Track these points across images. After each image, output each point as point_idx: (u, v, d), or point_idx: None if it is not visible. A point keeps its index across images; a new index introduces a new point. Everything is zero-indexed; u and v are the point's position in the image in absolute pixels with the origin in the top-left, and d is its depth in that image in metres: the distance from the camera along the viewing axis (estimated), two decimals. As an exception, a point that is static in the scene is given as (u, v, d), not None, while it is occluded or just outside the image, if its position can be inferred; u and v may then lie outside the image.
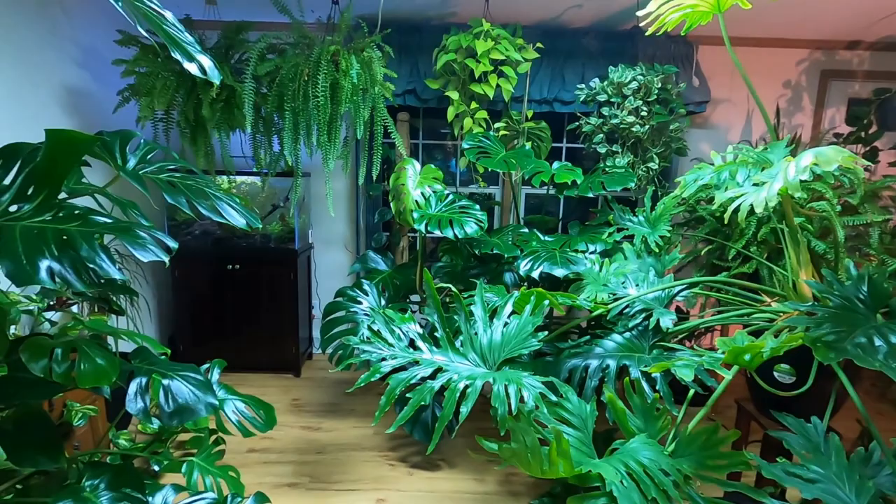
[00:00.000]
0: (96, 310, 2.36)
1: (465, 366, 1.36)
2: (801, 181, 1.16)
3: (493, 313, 1.54)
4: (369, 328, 1.43)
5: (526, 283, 2.40)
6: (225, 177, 3.07)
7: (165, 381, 1.21)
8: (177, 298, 3.31)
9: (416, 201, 2.43)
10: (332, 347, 2.33)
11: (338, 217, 3.66)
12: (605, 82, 2.68)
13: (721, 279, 1.95)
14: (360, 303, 2.35)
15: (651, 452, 1.30)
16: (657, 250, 2.18)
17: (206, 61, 1.21)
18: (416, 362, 1.35)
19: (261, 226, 1.27)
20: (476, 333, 1.44)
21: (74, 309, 2.18)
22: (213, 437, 2.07)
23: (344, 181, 3.62)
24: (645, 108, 2.59)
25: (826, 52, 3.57)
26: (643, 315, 1.84)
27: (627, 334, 1.85)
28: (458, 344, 1.44)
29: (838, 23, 3.17)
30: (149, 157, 1.27)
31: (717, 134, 3.62)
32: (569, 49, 3.25)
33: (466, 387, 1.23)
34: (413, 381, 1.27)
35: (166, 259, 0.88)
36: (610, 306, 1.82)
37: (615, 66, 2.71)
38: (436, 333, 1.43)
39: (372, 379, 1.28)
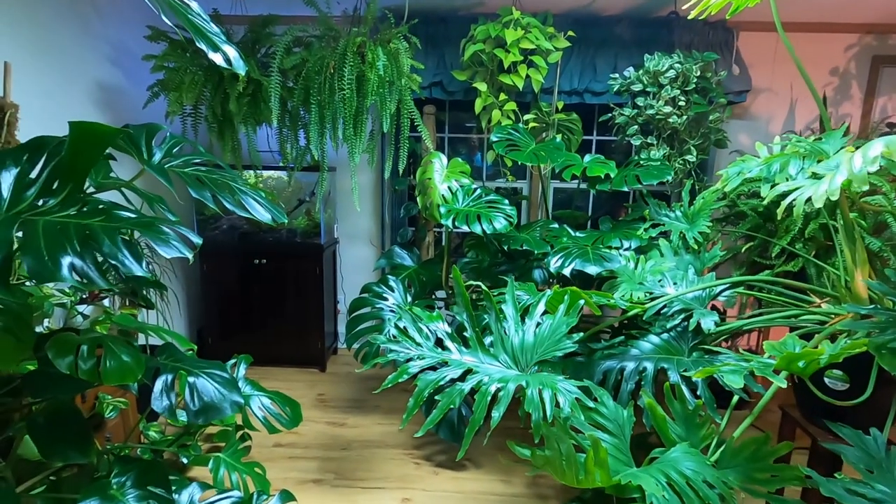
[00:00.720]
0: (127, 304, 2.39)
1: (495, 367, 1.30)
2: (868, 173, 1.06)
3: (524, 312, 1.48)
4: (396, 326, 1.38)
5: (556, 281, 2.33)
6: (251, 171, 3.07)
7: (191, 379, 1.19)
8: (205, 292, 3.35)
9: (443, 195, 2.38)
10: (358, 344, 2.30)
11: (363, 212, 3.63)
12: (641, 71, 2.57)
13: (767, 278, 1.84)
14: (385, 299, 2.31)
15: (694, 463, 1.22)
16: (696, 247, 2.07)
17: (232, 52, 1.18)
18: (445, 363, 1.30)
19: (286, 220, 1.24)
20: (507, 333, 1.38)
21: (106, 303, 2.21)
22: (239, 434, 2.07)
23: (369, 175, 3.59)
24: (683, 98, 2.47)
25: (878, 36, 3.36)
26: (682, 316, 1.75)
27: (665, 335, 1.76)
28: (487, 344, 1.39)
29: (892, 4, 2.96)
30: (174, 150, 1.24)
31: (757, 125, 3.45)
32: (601, 38, 3.13)
33: (498, 390, 1.17)
34: (442, 383, 1.23)
35: (189, 255, 0.85)
36: (647, 306, 1.73)
37: (650, 55, 2.59)
38: (465, 333, 1.38)
39: (399, 380, 1.24)
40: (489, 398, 1.16)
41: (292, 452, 2.52)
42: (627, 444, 1.32)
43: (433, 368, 1.29)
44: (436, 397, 1.18)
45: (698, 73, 2.46)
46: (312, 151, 2.45)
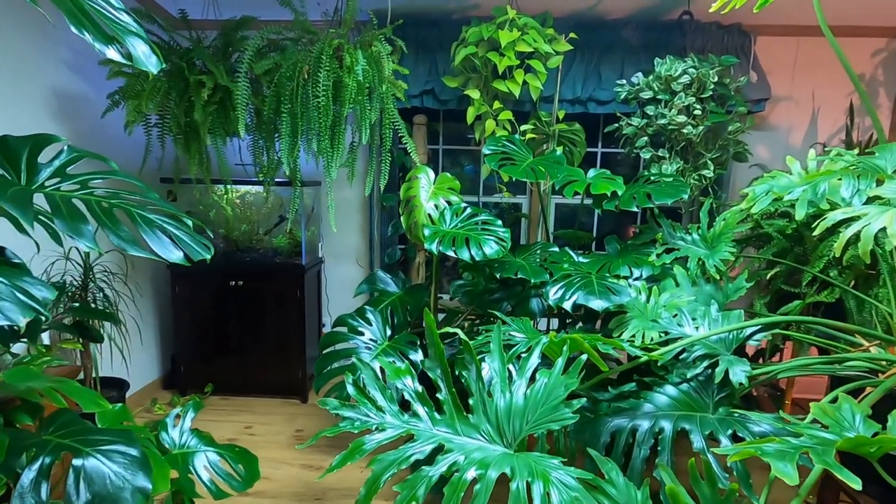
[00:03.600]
0: (75, 338, 2.13)
1: (474, 442, 1.03)
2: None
3: (513, 360, 1.20)
4: (354, 384, 1.11)
5: (557, 312, 2.05)
6: (221, 186, 2.82)
7: (78, 461, 0.92)
8: (177, 316, 3.09)
9: (429, 215, 2.12)
10: (329, 388, 2.02)
11: (350, 229, 3.38)
12: (651, 77, 2.31)
13: (808, 319, 1.56)
14: (361, 333, 2.04)
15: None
16: (717, 276, 1.79)
17: (141, 46, 0.93)
18: (411, 436, 1.03)
19: (208, 257, 0.97)
20: (490, 395, 1.11)
21: (45, 337, 1.96)
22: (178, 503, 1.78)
23: (356, 190, 3.34)
24: (698, 106, 2.20)
25: (909, 40, 3.09)
26: (706, 363, 1.47)
27: (685, 386, 1.48)
28: (466, 408, 1.12)
29: (928, 5, 2.70)
30: (69, 168, 0.99)
31: (775, 136, 3.18)
32: (606, 42, 2.89)
33: (475, 480, 0.90)
34: (404, 466, 0.96)
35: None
36: (662, 352, 1.45)
37: (661, 59, 2.34)
38: (438, 395, 1.11)
39: (351, 461, 0.97)
40: (462, 491, 0.89)
41: (259, 503, 2.24)
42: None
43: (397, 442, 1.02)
44: (393, 488, 0.91)
45: (715, 79, 2.20)
46: (284, 164, 2.21)
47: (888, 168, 1.27)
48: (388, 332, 2.06)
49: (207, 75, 2.25)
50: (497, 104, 2.42)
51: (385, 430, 1.03)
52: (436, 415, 1.08)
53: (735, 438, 1.30)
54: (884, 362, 1.46)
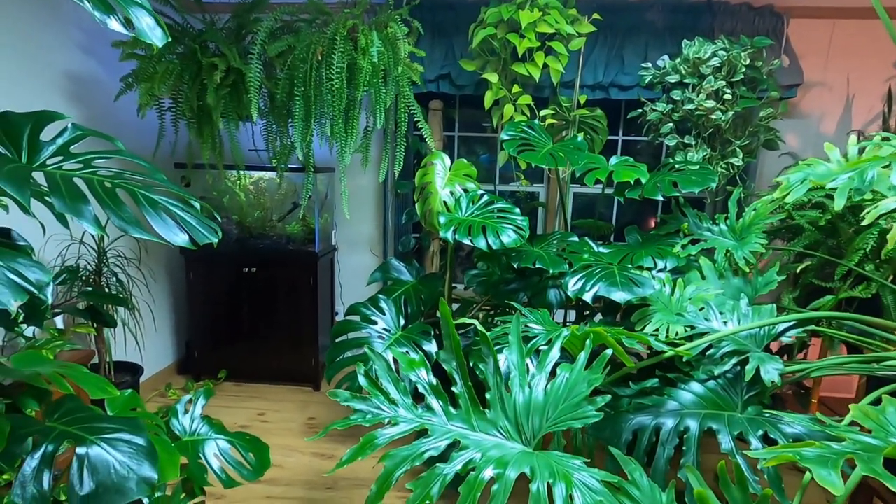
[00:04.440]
0: (89, 323, 2.13)
1: (492, 439, 0.98)
2: None
3: (533, 354, 1.15)
4: (366, 375, 1.07)
5: (576, 304, 1.99)
6: (234, 171, 2.79)
7: (82, 450, 0.90)
8: (191, 302, 3.09)
9: (444, 202, 2.06)
10: (341, 377, 1.99)
11: (364, 217, 3.34)
12: (678, 59, 2.20)
13: (844, 315, 1.48)
14: (374, 322, 2.00)
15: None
16: (746, 269, 1.71)
17: (146, 18, 0.89)
18: (425, 431, 0.98)
19: (216, 240, 0.93)
20: (509, 390, 1.05)
21: (58, 321, 1.95)
22: (188, 491, 1.77)
23: (371, 177, 3.29)
24: (728, 91, 2.10)
25: (952, 22, 2.91)
26: (735, 360, 1.40)
27: (712, 383, 1.41)
28: (482, 402, 1.07)
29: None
30: (73, 147, 0.95)
31: (806, 124, 3.04)
32: (629, 25, 2.77)
33: (493, 480, 0.85)
34: (417, 463, 0.91)
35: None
36: (689, 346, 1.38)
37: (689, 41, 2.23)
38: (454, 388, 1.06)
39: (362, 457, 0.93)
40: (480, 490, 0.84)
41: (270, 491, 2.22)
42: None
43: (412, 435, 0.98)
44: (406, 486, 0.87)
45: (747, 62, 2.09)
46: (297, 150, 2.16)
47: (941, 154, 1.18)
48: (402, 322, 2.02)
49: (220, 58, 2.21)
50: (516, 88, 2.34)
51: (398, 424, 0.99)
52: (451, 409, 1.03)
53: (766, 440, 1.23)
54: (927, 362, 1.37)
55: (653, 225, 3.36)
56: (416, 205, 2.18)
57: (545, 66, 2.21)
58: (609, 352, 1.06)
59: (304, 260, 3.00)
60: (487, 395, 1.05)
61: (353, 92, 2.07)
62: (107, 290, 2.21)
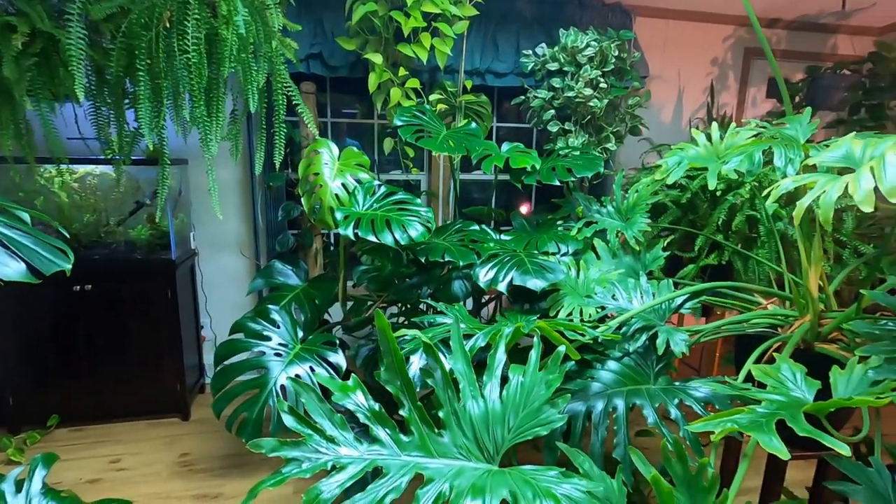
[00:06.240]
0: None
1: (455, 463, 0.87)
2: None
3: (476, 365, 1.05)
4: (291, 411, 0.87)
5: (483, 294, 1.95)
6: (51, 166, 2.21)
7: None
8: (1, 335, 2.41)
9: (337, 195, 1.86)
10: (231, 408, 1.69)
11: (229, 215, 2.92)
12: (556, 48, 2.27)
13: (729, 284, 1.65)
14: (267, 338, 1.73)
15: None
16: (637, 247, 1.83)
17: None
18: (379, 470, 0.83)
19: (69, 266, 0.66)
20: (461, 402, 0.95)
21: None
22: None
23: (234, 170, 2.89)
24: (602, 80, 2.22)
25: (749, 29, 3.50)
26: (645, 335, 1.47)
27: (627, 360, 1.47)
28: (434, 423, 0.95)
29: (760, -1, 3.06)
30: None
31: (649, 113, 3.42)
32: (502, 12, 2.81)
33: (472, 514, 0.74)
34: (379, 511, 0.76)
35: None
36: (606, 328, 1.42)
37: (550, 35, 2.31)
38: (402, 411, 0.92)
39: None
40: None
41: (146, 555, 1.84)
42: (628, 535, 0.98)
43: (363, 481, 0.82)
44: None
45: (616, 53, 2.23)
46: (146, 138, 1.75)
47: (801, 138, 1.35)
48: (300, 334, 1.78)
49: (20, 17, 1.68)
50: (403, 71, 2.19)
51: (345, 468, 0.82)
52: (402, 437, 0.89)
53: (681, 407, 1.32)
54: (788, 317, 1.59)
55: (527, 210, 3.52)
56: (302, 199, 1.94)
57: (432, 47, 2.11)
58: (562, 349, 1.02)
59: (159, 269, 2.52)
60: (440, 414, 0.93)
61: (216, 68, 1.73)
62: None
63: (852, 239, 2.05)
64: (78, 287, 2.44)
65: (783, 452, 0.86)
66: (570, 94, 2.20)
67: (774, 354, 1.27)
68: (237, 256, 3.00)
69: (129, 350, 2.57)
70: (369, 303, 2.39)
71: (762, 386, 1.15)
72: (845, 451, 0.82)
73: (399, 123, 1.93)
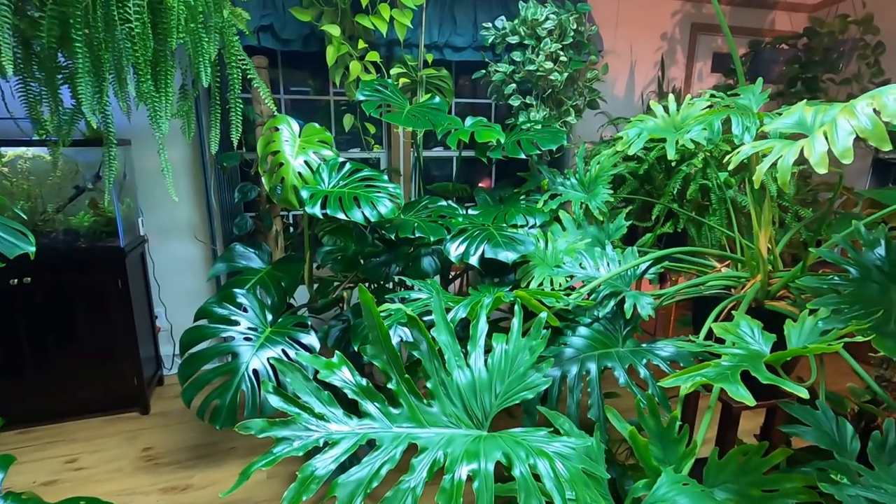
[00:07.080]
0: None
1: (446, 431, 0.88)
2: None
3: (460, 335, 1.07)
4: (277, 391, 0.86)
5: (459, 272, 1.96)
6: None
7: None
8: (-74, 337, 2.21)
9: (300, 174, 1.80)
10: (202, 396, 1.63)
11: (180, 199, 2.78)
12: (517, 21, 2.26)
13: (687, 249, 1.73)
14: (235, 323, 1.67)
15: (691, 499, 0.98)
16: (601, 218, 1.89)
17: None
18: (373, 443, 0.83)
19: (32, 249, 0.61)
20: (448, 372, 0.96)
21: None
22: None
23: (183, 150, 2.74)
24: (562, 53, 2.24)
25: (695, 4, 3.62)
26: (613, 301, 1.53)
27: (596, 325, 1.53)
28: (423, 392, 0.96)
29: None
30: None
31: (605, 87, 3.49)
32: (458, -15, 2.77)
33: (470, 478, 0.76)
34: (375, 483, 0.77)
35: None
36: (582, 292, 1.47)
37: (507, 8, 2.30)
38: (389, 384, 0.92)
39: (307, 496, 0.74)
40: (461, 494, 0.75)
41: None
42: (607, 489, 1.03)
43: (356, 456, 0.82)
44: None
45: (574, 26, 2.25)
46: (86, 116, 1.62)
47: (754, 106, 1.42)
48: (269, 317, 1.73)
49: (-73, -21, 1.50)
50: (362, 44, 2.13)
51: (338, 444, 0.81)
52: (391, 409, 0.90)
53: (649, 367, 1.39)
54: (741, 278, 1.70)
55: (487, 186, 3.54)
56: (263, 178, 1.87)
57: (392, 19, 2.05)
58: (544, 315, 1.04)
59: (106, 258, 2.37)
60: (428, 384, 0.94)
61: (162, 40, 1.62)
62: None
63: (793, 204, 2.19)
64: (15, 280, 2.27)
65: (749, 399, 0.92)
66: (532, 67, 2.21)
67: (732, 312, 1.35)
68: (190, 242, 2.87)
69: (79, 345, 2.43)
70: (335, 283, 2.36)
71: (721, 343, 1.23)
72: (804, 394, 0.89)
73: (361, 98, 1.88)
